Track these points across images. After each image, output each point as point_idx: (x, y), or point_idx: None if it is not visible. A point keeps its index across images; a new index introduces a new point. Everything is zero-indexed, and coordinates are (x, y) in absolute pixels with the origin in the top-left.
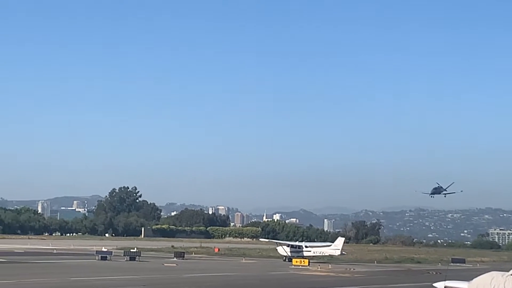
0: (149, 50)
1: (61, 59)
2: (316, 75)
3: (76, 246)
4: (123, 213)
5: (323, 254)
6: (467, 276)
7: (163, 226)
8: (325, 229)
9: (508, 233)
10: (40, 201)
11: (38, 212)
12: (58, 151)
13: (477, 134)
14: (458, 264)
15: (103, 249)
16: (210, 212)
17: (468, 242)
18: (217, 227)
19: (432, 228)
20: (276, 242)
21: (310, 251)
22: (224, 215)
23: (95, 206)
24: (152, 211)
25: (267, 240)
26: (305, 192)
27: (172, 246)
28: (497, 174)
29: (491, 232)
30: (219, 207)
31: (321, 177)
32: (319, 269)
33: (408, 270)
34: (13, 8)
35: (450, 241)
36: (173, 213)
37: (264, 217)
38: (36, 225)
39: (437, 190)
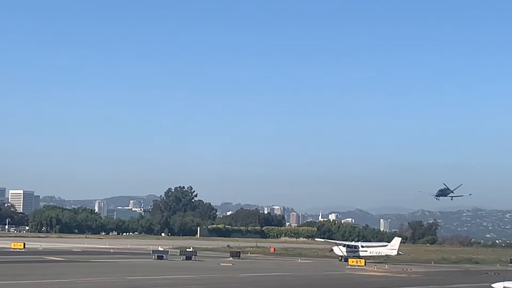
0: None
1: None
2: (375, 77)
3: (133, 245)
4: (179, 212)
5: (380, 254)
6: None
7: (219, 226)
8: (381, 229)
9: None
10: (97, 201)
11: (95, 211)
12: (114, 152)
13: None
14: None
15: (160, 249)
16: (266, 212)
17: None
18: (273, 227)
19: (490, 228)
20: (332, 242)
21: (366, 251)
22: (279, 214)
23: (151, 206)
24: (208, 211)
25: (323, 240)
26: (361, 192)
27: (228, 246)
28: None
29: None
30: (275, 207)
31: (377, 177)
32: (375, 269)
33: (466, 271)
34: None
35: (508, 241)
36: (228, 213)
37: (320, 217)
38: (93, 224)
39: (444, 192)
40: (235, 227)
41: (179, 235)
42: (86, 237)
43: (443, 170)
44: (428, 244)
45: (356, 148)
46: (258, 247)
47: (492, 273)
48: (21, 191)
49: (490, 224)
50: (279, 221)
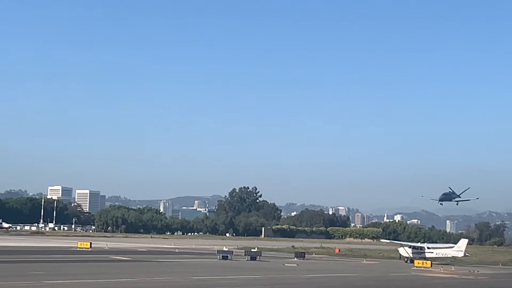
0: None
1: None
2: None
3: (198, 245)
4: (243, 213)
5: (446, 256)
6: None
7: (283, 226)
8: (447, 230)
9: None
10: (162, 201)
11: (160, 211)
12: (179, 153)
13: None
14: None
15: (224, 249)
16: (330, 213)
17: None
18: (337, 228)
19: None
20: (398, 243)
21: (432, 252)
22: (344, 215)
23: (215, 206)
24: (272, 211)
25: (388, 241)
26: (427, 192)
27: (293, 246)
28: None
29: None
30: (339, 208)
31: (443, 178)
32: (441, 270)
33: None
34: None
35: None
36: (293, 213)
37: (385, 218)
38: (158, 224)
39: (448, 196)
40: (299, 228)
41: (244, 236)
42: (151, 237)
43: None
44: (495, 246)
45: (423, 149)
46: (322, 248)
47: None
48: (87, 191)
49: None
50: (344, 222)
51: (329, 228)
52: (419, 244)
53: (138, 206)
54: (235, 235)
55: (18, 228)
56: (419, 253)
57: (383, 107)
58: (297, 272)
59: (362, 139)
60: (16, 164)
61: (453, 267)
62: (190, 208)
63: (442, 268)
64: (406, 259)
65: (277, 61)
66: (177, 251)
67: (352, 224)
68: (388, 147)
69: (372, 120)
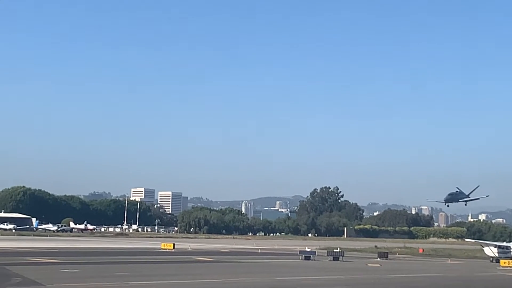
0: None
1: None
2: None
3: (280, 246)
4: (325, 213)
5: None
6: None
7: (366, 226)
8: None
9: None
10: (244, 202)
11: (242, 212)
12: (261, 153)
13: None
14: None
15: (307, 249)
16: (413, 212)
17: None
18: (421, 227)
19: None
20: (483, 243)
21: None
22: (427, 215)
23: (297, 207)
24: (354, 211)
25: (473, 240)
26: None
27: (375, 246)
28: None
29: None
30: (423, 207)
31: None
32: None
33: None
34: None
35: None
36: (375, 213)
37: (469, 217)
38: (240, 225)
39: (454, 197)
40: (382, 228)
41: (326, 236)
42: (233, 238)
43: None
44: None
45: (506, 145)
46: (406, 248)
47: None
48: (170, 193)
49: None
50: (427, 221)
51: (412, 228)
52: (505, 244)
53: (220, 207)
54: (317, 236)
55: (103, 229)
56: (505, 252)
57: (469, 103)
58: (380, 272)
59: (447, 136)
60: (100, 166)
61: None
62: (271, 208)
63: None
64: (491, 259)
65: (353, 60)
66: (259, 251)
67: (436, 224)
68: (473, 145)
69: (458, 117)
